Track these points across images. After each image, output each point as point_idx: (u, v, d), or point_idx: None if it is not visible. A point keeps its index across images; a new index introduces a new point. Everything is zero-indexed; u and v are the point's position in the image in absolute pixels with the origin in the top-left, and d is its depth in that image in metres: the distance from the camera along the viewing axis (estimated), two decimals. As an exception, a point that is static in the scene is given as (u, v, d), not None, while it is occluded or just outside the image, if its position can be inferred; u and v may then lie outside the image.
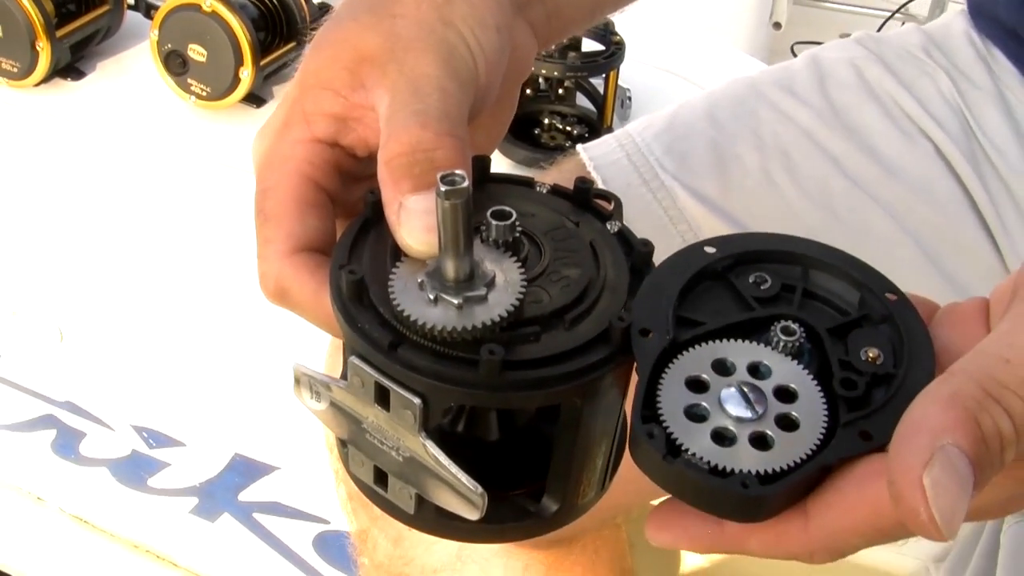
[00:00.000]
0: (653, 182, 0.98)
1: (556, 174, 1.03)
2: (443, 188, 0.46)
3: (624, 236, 0.54)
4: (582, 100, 1.35)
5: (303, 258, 0.54)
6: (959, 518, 0.41)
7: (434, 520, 0.54)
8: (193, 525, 1.60)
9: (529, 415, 0.57)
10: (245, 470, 1.48)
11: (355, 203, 0.58)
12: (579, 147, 1.03)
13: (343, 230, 0.54)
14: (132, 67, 1.42)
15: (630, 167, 0.99)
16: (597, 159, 1.01)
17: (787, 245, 0.55)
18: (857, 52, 1.04)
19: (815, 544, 0.46)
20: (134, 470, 1.59)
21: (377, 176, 0.53)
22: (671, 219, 0.96)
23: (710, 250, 0.54)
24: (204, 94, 1.31)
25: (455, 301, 0.48)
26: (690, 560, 1.34)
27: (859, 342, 0.50)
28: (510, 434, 0.56)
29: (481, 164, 0.56)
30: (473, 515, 0.50)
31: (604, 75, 1.28)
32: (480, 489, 0.49)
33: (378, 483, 0.54)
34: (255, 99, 1.35)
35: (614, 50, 1.25)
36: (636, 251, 0.53)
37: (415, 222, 0.50)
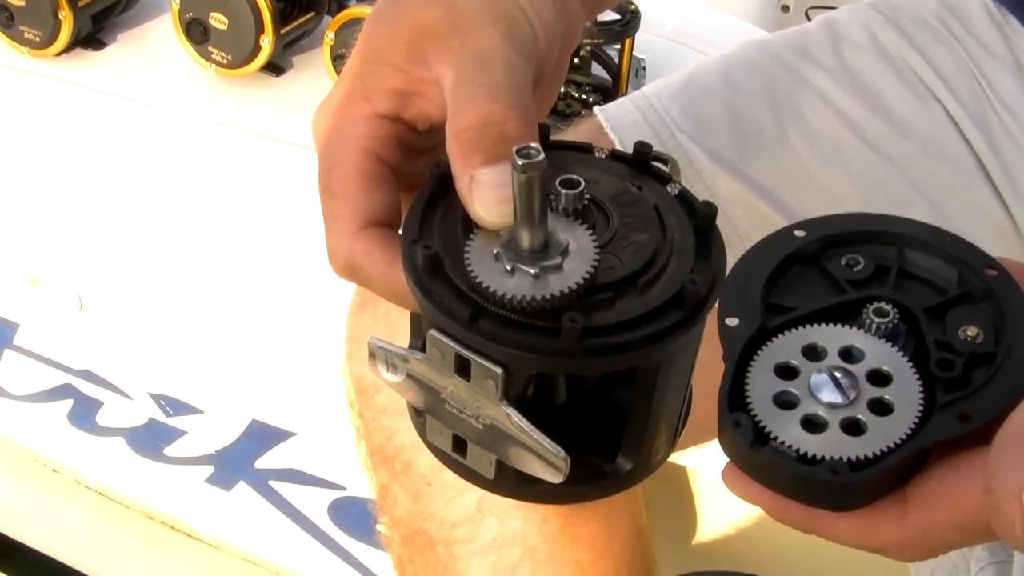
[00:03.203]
0: (670, 142, 0.99)
1: (573, 135, 1.04)
2: (519, 162, 0.47)
3: (685, 198, 0.55)
4: (597, 70, 1.36)
5: (372, 233, 0.55)
6: None
7: (513, 484, 0.55)
8: (209, 494, 1.61)
9: (596, 377, 0.58)
10: (262, 436, 1.50)
11: (417, 176, 0.58)
12: (596, 109, 1.05)
13: (408, 203, 0.55)
14: (152, 37, 1.43)
15: (647, 128, 1.00)
16: (613, 120, 1.02)
17: (880, 225, 0.54)
18: (871, 16, 1.06)
19: (910, 536, 0.46)
20: (150, 439, 1.60)
21: (443, 148, 0.54)
22: (687, 179, 0.98)
23: (799, 233, 0.54)
24: (225, 62, 1.33)
25: (532, 271, 0.49)
26: (706, 521, 1.35)
27: (958, 321, 0.50)
28: (578, 397, 0.57)
29: (543, 132, 0.56)
30: (556, 478, 0.51)
31: (620, 44, 1.30)
32: (563, 453, 0.50)
33: (457, 451, 0.55)
34: (275, 68, 1.37)
35: (630, 18, 1.26)
36: (699, 212, 0.53)
37: (488, 195, 0.51)
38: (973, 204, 0.97)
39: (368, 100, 0.57)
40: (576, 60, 1.33)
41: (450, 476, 1.07)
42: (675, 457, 1.23)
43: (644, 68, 1.37)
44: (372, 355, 0.54)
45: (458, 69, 0.55)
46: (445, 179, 0.54)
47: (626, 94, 1.31)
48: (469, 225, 0.52)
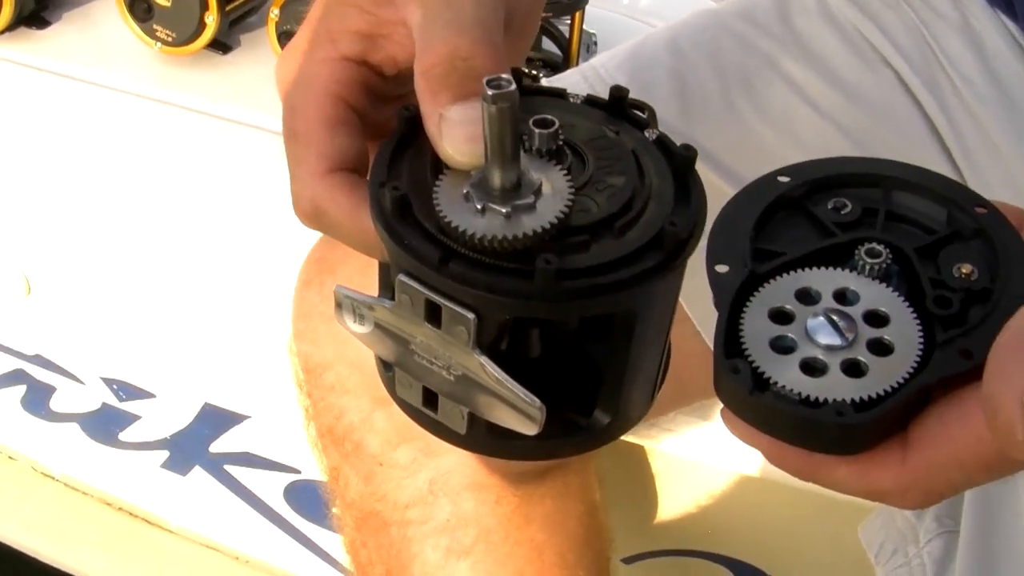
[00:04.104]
0: (617, 111, 0.98)
1: (520, 108, 1.03)
2: (490, 92, 0.45)
3: (664, 143, 0.53)
4: (548, 45, 1.35)
5: (338, 177, 0.53)
6: None
7: (486, 439, 0.53)
8: (165, 480, 1.60)
9: (571, 332, 0.56)
10: (215, 420, 1.48)
11: (384, 124, 0.57)
12: (543, 81, 1.04)
13: (376, 150, 0.53)
14: (97, 16, 1.41)
15: (594, 98, 0.99)
16: (561, 92, 1.01)
17: (865, 167, 0.53)
18: (820, -18, 1.05)
19: (912, 478, 0.44)
20: (105, 424, 1.58)
21: (410, 92, 0.52)
22: None
23: (784, 179, 0.53)
24: (169, 40, 1.31)
25: (503, 210, 0.47)
26: (667, 500, 1.34)
27: (950, 259, 0.49)
28: (554, 351, 0.56)
29: (515, 76, 0.53)
30: (531, 430, 0.49)
31: (569, 18, 1.28)
32: (538, 402, 0.49)
33: (427, 405, 0.53)
34: (221, 46, 1.35)
35: (579, -9, 1.25)
36: (678, 156, 0.52)
37: (457, 132, 0.49)
38: (924, 167, 0.96)
39: (333, 43, 0.56)
40: (528, 32, 1.32)
41: (401, 456, 1.06)
42: (633, 436, 1.23)
43: (596, 43, 1.36)
44: (338, 304, 0.53)
45: (425, 6, 0.54)
46: (414, 123, 0.52)
47: (577, 68, 1.30)
48: (439, 167, 0.50)
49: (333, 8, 0.56)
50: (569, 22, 1.29)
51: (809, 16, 1.02)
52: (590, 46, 1.35)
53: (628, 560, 1.39)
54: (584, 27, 1.31)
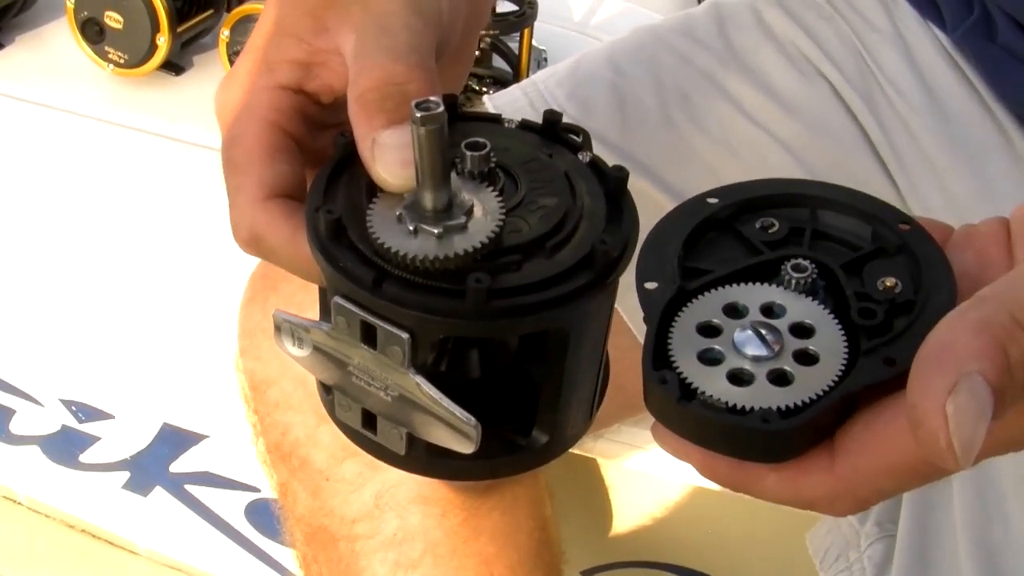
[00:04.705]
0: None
1: (463, 124, 1.04)
2: (418, 115, 0.46)
3: (597, 165, 0.54)
4: (499, 63, 1.35)
5: (276, 204, 0.54)
6: (976, 447, 0.40)
7: (425, 459, 0.54)
8: (127, 501, 1.60)
9: (511, 354, 0.57)
10: (174, 440, 1.48)
11: (321, 151, 0.57)
12: (485, 97, 1.05)
13: (314, 176, 0.54)
14: (51, 38, 1.42)
15: (533, 113, 1.00)
16: (502, 107, 1.02)
17: (792, 188, 0.54)
18: (757, -2, 1.06)
19: (840, 486, 0.45)
20: (65, 446, 1.58)
21: (346, 119, 0.53)
22: None
23: (712, 201, 0.53)
24: (122, 61, 1.31)
25: (435, 231, 0.48)
26: (621, 512, 1.35)
27: (875, 274, 0.50)
28: (494, 373, 0.56)
29: (450, 102, 0.55)
30: (467, 448, 0.50)
31: (519, 35, 1.29)
32: (473, 420, 0.49)
33: (366, 427, 0.54)
34: (174, 67, 1.36)
35: (526, 9, 1.26)
36: (610, 177, 0.53)
37: (390, 156, 0.50)
38: (859, 178, 0.97)
39: (271, 72, 0.57)
40: (476, 53, 1.33)
41: (347, 470, 1.07)
42: (587, 451, 1.24)
43: (546, 59, 1.37)
44: (277, 328, 0.53)
45: (360, 33, 0.55)
46: (350, 149, 0.53)
47: (527, 85, 1.31)
48: (374, 191, 0.51)
49: (271, 38, 0.57)
50: (519, 39, 1.30)
51: (746, 31, 1.03)
52: (540, 62, 1.36)
53: (587, 572, 1.40)
54: (534, 43, 1.32)
